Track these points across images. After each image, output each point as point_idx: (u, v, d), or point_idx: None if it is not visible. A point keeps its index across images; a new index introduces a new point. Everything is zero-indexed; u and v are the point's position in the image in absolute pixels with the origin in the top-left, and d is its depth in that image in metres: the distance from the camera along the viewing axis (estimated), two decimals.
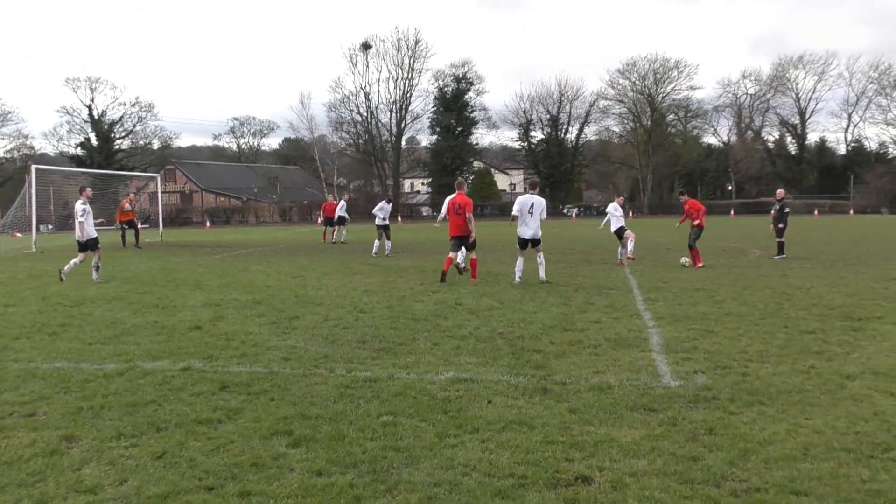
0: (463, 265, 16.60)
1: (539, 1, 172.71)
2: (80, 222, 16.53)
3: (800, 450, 5.16)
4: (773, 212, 21.48)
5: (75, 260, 16.68)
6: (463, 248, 15.87)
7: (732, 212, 71.81)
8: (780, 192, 21.95)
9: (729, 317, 10.57)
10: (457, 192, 16.03)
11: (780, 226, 20.61)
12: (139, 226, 30.85)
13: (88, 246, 16.65)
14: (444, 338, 9.27)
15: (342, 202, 31.62)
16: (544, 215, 14.91)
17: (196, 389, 6.90)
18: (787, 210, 21.02)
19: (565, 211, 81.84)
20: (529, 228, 14.79)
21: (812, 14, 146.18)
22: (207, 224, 67.24)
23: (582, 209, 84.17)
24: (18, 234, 33.91)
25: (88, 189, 17.76)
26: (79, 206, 16.76)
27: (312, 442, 5.44)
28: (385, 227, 23.27)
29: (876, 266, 17.90)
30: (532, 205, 14.75)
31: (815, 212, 68.50)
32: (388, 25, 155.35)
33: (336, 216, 31.08)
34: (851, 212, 71.44)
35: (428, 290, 14.10)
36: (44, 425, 5.92)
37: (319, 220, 35.67)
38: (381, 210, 23.50)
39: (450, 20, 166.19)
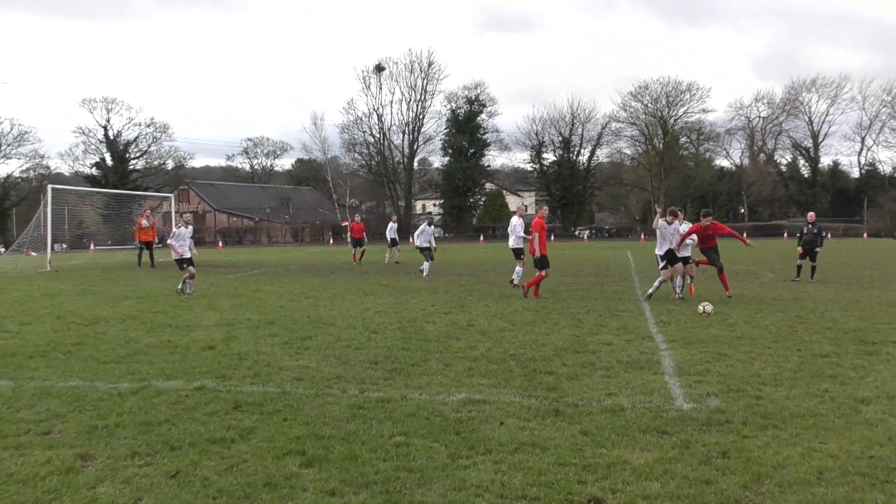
0: (516, 281, 18.45)
1: (550, 24, 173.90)
2: (170, 243, 18.19)
3: (814, 474, 5.13)
4: (802, 234, 21.11)
5: (184, 277, 17.83)
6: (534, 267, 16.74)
7: (745, 235, 71.52)
8: (812, 215, 21.80)
9: (742, 340, 10.53)
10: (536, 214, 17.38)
11: (818, 249, 20.60)
12: (156, 246, 30.99)
13: (180, 264, 17.91)
14: (456, 359, 9.28)
15: (391, 224, 31.82)
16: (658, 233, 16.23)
17: (209, 409, 6.94)
18: (824, 233, 21.06)
19: (577, 233, 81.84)
20: None
21: (819, 37, 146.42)
22: (220, 244, 67.55)
23: (593, 231, 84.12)
24: (33, 254, 34.16)
25: (187, 215, 19.31)
26: (174, 229, 18.82)
27: (325, 462, 5.46)
28: (426, 249, 23.38)
29: (890, 290, 17.79)
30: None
31: (829, 235, 68.15)
32: (401, 48, 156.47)
33: (388, 238, 31.32)
34: (865, 235, 71.04)
35: (440, 311, 14.12)
36: (59, 444, 5.97)
37: (348, 240, 35.51)
38: (424, 233, 23.67)
39: (462, 43, 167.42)
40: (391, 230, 31.42)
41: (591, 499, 4.77)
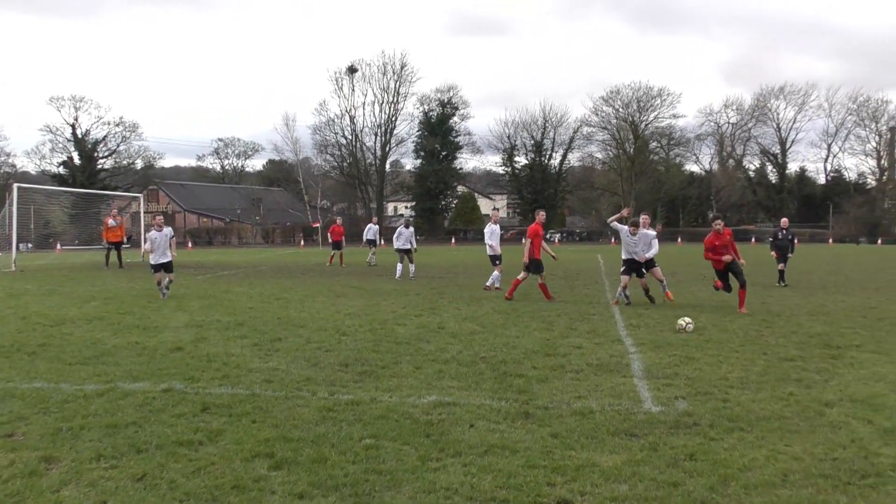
0: (496, 286, 18.87)
1: (522, 28, 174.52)
2: (145, 248, 17.84)
3: (779, 476, 5.20)
4: (776, 239, 21.46)
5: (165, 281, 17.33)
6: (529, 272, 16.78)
7: None
8: (785, 221, 22.28)
9: (709, 343, 10.63)
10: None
11: (790, 254, 21.01)
12: (124, 246, 30.56)
13: (154, 268, 17.30)
14: (426, 361, 9.28)
15: (371, 226, 31.56)
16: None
17: (177, 411, 6.87)
18: (795, 239, 21.60)
19: (548, 236, 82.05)
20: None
21: (787, 45, 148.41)
22: (190, 245, 66.90)
23: (564, 234, 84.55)
24: None
25: (159, 218, 18.53)
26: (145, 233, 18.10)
27: (294, 465, 5.43)
28: (406, 251, 23.30)
29: (854, 295, 18.09)
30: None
31: (796, 240, 69.07)
32: (374, 49, 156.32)
33: (365, 239, 31.00)
34: (830, 241, 72.14)
35: (410, 313, 14.11)
36: (22, 446, 5.87)
37: (329, 241, 34.96)
38: (401, 236, 23.58)
39: (435, 46, 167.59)
40: (371, 232, 31.16)
41: (560, 501, 4.79)
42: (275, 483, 5.08)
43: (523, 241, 16.69)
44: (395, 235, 24.05)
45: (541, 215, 17.45)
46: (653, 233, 16.03)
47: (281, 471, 5.32)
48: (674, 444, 5.90)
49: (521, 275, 16.75)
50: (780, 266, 20.90)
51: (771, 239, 21.72)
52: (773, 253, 21.26)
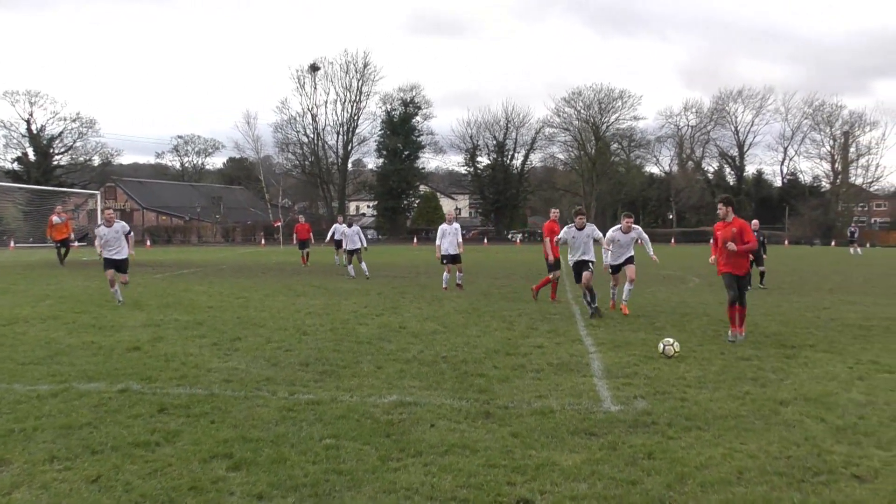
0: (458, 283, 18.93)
1: (483, 29, 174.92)
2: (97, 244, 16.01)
3: (735, 474, 5.28)
4: None
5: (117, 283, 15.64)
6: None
7: (673, 240, 73.24)
8: (756, 222, 22.55)
9: None
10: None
11: (764, 255, 21.31)
12: (71, 244, 29.84)
13: (105, 264, 15.58)
14: (387, 361, 9.26)
15: (336, 226, 31.11)
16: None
17: (133, 411, 6.77)
18: (763, 239, 22.05)
19: (510, 236, 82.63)
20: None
21: (745, 50, 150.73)
22: (148, 243, 65.92)
23: (526, 234, 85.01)
24: None
25: (108, 211, 16.61)
26: (95, 228, 16.34)
27: (253, 465, 5.38)
28: (356, 251, 23.31)
29: (808, 295, 18.46)
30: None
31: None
32: (336, 48, 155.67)
33: (330, 238, 30.65)
34: (786, 242, 73.51)
35: (372, 312, 14.06)
36: None
37: (293, 241, 34.45)
38: (345, 237, 23.62)
39: (397, 45, 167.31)
40: (338, 232, 30.79)
41: (520, 500, 4.81)
42: (233, 484, 5.02)
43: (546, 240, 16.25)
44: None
45: (554, 213, 17.17)
46: (633, 235, 14.59)
47: (240, 471, 5.26)
48: (632, 442, 5.96)
49: (551, 274, 16.39)
50: (759, 269, 20.97)
51: None
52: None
